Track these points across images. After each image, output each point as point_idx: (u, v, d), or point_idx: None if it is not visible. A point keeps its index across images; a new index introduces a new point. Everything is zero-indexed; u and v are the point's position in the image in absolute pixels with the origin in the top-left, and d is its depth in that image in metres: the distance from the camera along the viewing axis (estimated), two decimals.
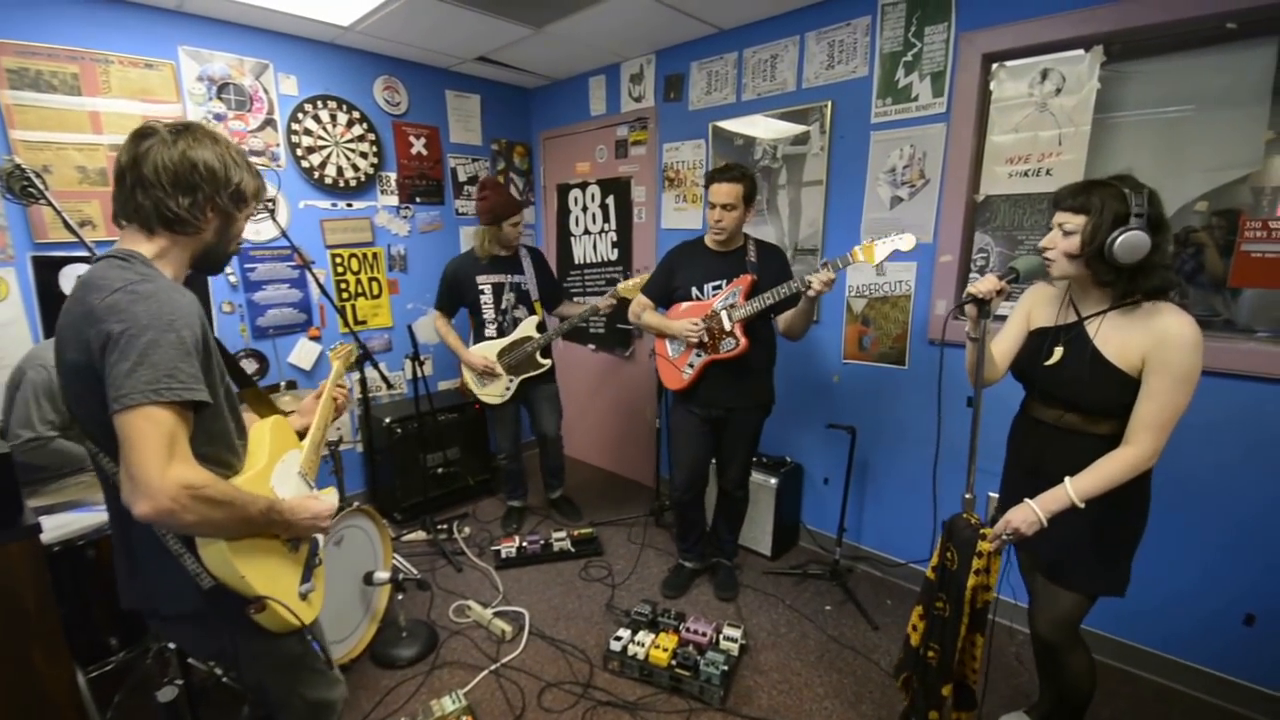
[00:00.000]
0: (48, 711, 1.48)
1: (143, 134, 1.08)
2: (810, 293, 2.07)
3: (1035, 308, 1.63)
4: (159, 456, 0.93)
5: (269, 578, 1.13)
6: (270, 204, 3.04)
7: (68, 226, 1.73)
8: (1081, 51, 2.10)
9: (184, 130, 1.10)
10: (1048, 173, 2.22)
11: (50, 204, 1.69)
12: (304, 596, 1.23)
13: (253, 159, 2.95)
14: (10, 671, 1.42)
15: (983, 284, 1.46)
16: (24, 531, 1.44)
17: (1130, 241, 1.30)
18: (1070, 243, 1.40)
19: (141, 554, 1.12)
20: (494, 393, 3.09)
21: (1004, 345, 1.66)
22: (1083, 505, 1.38)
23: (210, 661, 1.88)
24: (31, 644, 1.45)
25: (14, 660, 1.42)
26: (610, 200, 3.78)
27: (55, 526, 1.76)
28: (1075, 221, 1.38)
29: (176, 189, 1.07)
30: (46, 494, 1.98)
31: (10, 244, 2.43)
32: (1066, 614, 1.58)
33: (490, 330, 3.06)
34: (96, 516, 1.85)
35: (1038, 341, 1.57)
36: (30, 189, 1.70)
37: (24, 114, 2.41)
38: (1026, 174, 2.27)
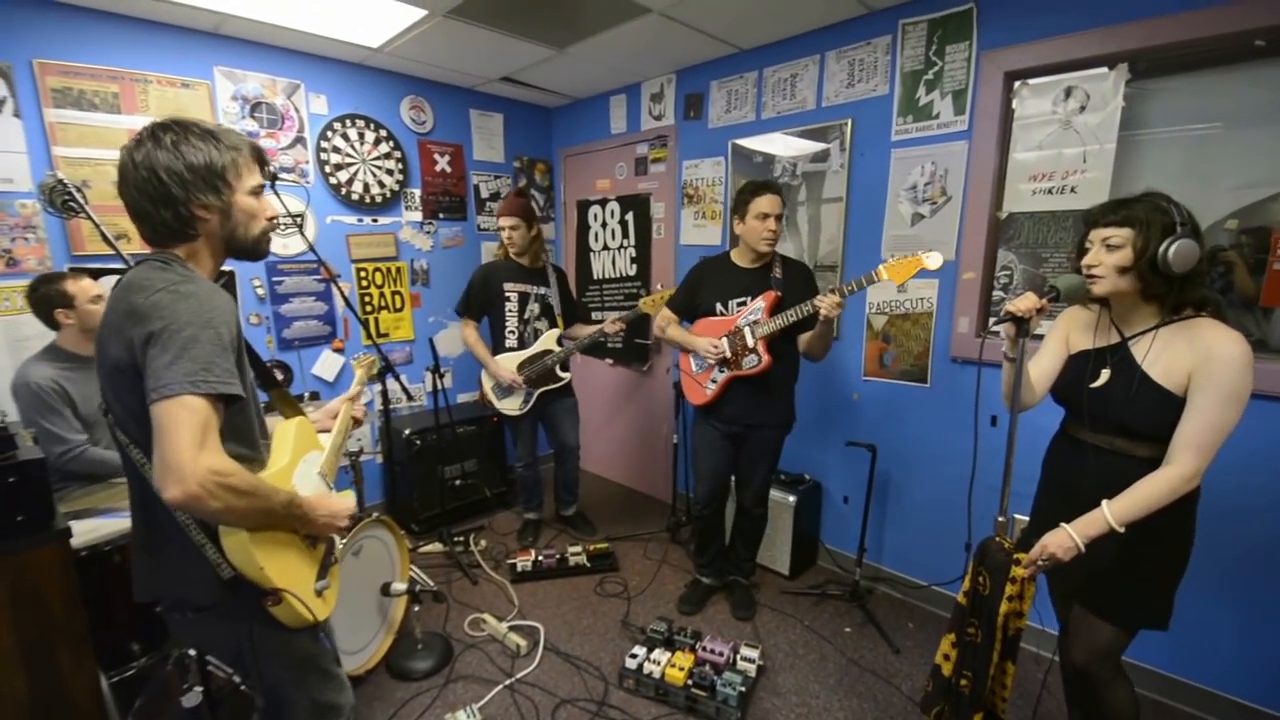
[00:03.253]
0: (72, 713, 1.50)
1: (120, 159, 1.10)
2: (820, 315, 2.07)
3: (1074, 331, 1.59)
4: (192, 443, 0.96)
5: (287, 571, 1.16)
6: (299, 219, 3.11)
7: (105, 239, 1.79)
8: (1106, 69, 2.09)
9: (140, 141, 1.09)
10: (1072, 190, 2.20)
11: (89, 217, 1.75)
12: (319, 594, 1.25)
13: (283, 175, 3.06)
14: (38, 674, 1.44)
15: (1022, 302, 1.42)
16: (55, 536, 1.47)
17: (1184, 249, 1.28)
18: (1120, 256, 1.36)
19: (164, 545, 1.15)
20: (512, 406, 3.10)
21: (1041, 368, 1.62)
22: (1122, 530, 1.32)
23: (223, 660, 1.90)
24: (58, 647, 1.47)
25: (42, 663, 1.45)
26: (630, 216, 3.81)
27: (82, 532, 1.78)
28: (1122, 235, 1.36)
29: (157, 205, 1.09)
30: (73, 500, 2.02)
31: (49, 255, 2.51)
32: (1106, 645, 1.52)
33: (510, 340, 3.08)
34: (121, 522, 1.88)
35: (1080, 364, 1.53)
36: (71, 203, 1.76)
37: (66, 131, 2.50)
38: (1050, 191, 2.25)
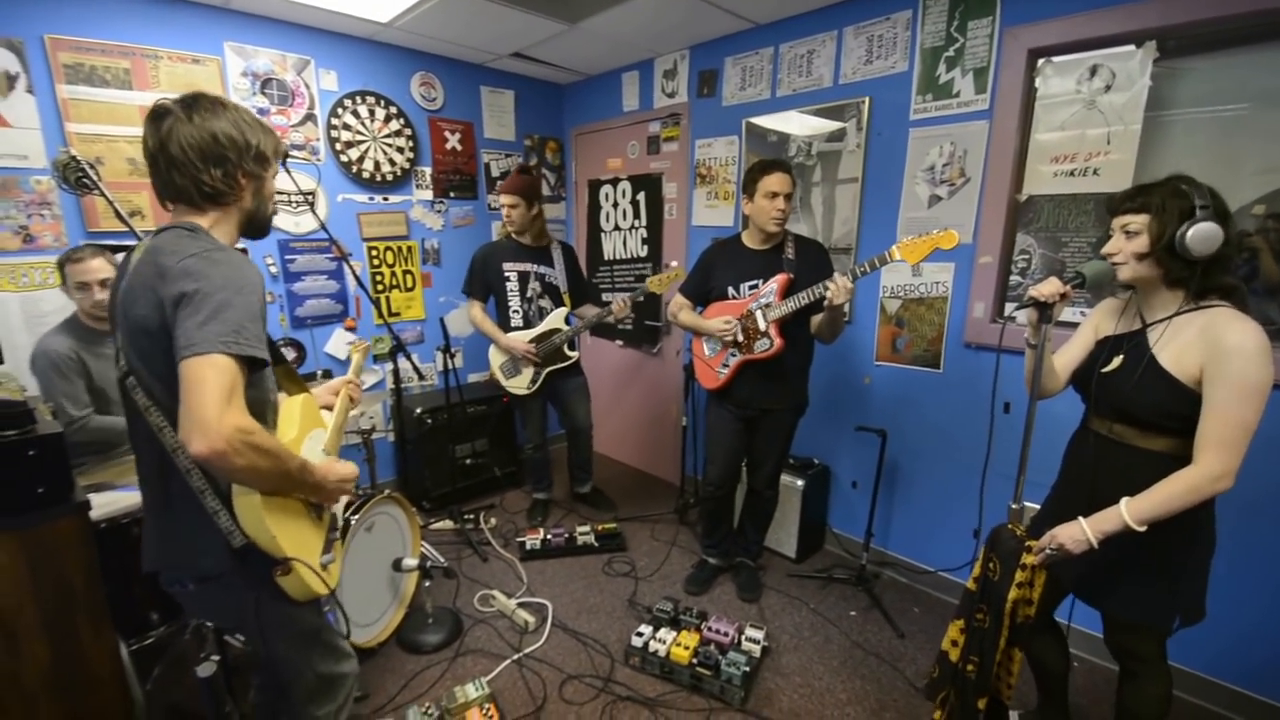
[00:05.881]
0: (93, 682, 1.54)
1: (158, 114, 1.12)
2: (827, 301, 2.05)
3: (1104, 319, 1.56)
4: (220, 400, 0.98)
5: (296, 541, 1.18)
6: (310, 197, 3.11)
7: (119, 216, 1.79)
8: (1133, 47, 2.02)
9: (194, 103, 1.14)
10: (1095, 172, 2.14)
11: (103, 194, 1.76)
12: (324, 567, 1.27)
13: (293, 153, 3.05)
14: (59, 643, 1.48)
15: (1045, 287, 1.39)
16: (74, 508, 1.50)
17: (1202, 232, 1.24)
18: (1137, 243, 1.33)
19: (177, 512, 1.17)
20: (520, 384, 3.11)
21: (1068, 357, 1.59)
22: (1141, 529, 1.28)
23: (230, 630, 1.94)
24: (78, 617, 1.51)
25: (63, 632, 1.49)
26: (641, 196, 3.77)
27: (100, 504, 1.82)
28: (1138, 221, 1.33)
29: (207, 163, 1.13)
30: (92, 473, 2.05)
31: (64, 233, 2.53)
32: (1119, 641, 1.51)
33: (516, 320, 3.07)
34: (139, 495, 1.91)
35: (1099, 349, 1.51)
36: (84, 180, 1.76)
37: (78, 108, 2.51)
38: (1072, 173, 2.19)
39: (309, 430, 1.33)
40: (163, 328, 1.04)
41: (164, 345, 1.04)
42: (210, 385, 0.98)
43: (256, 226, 1.28)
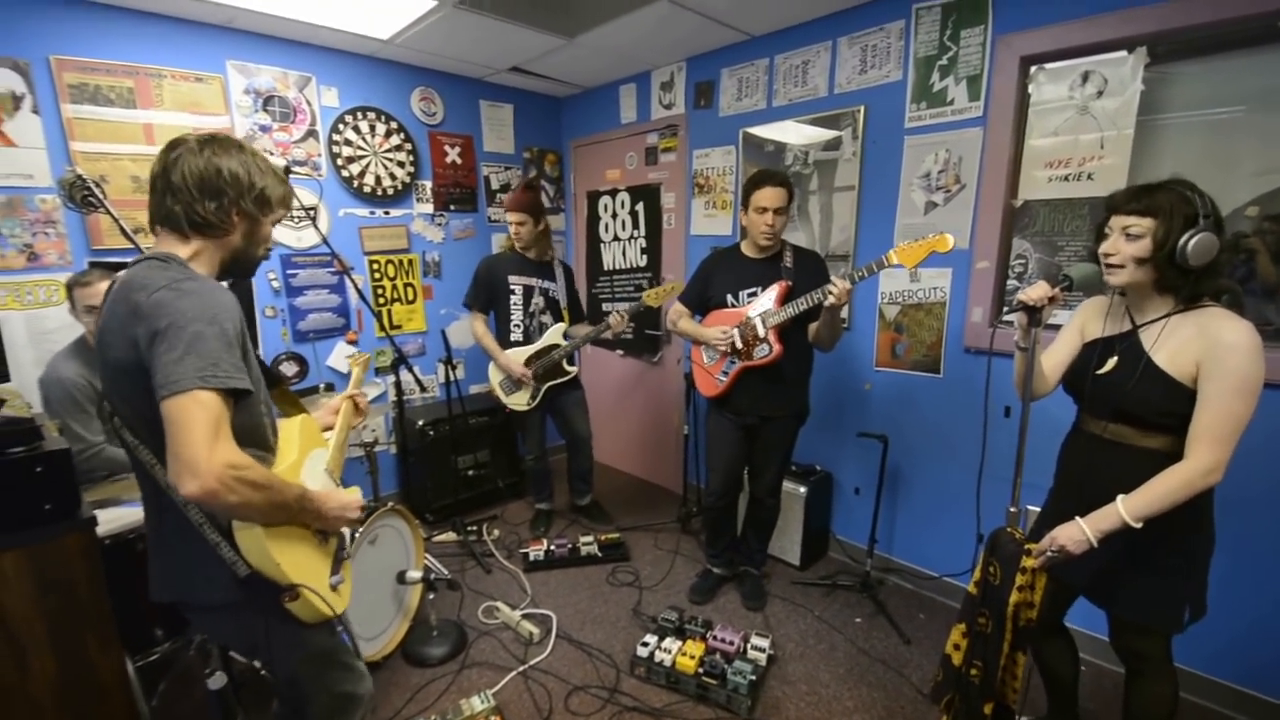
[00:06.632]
0: (100, 696, 1.54)
1: (173, 145, 1.16)
2: (827, 303, 2.06)
3: (1090, 320, 1.57)
4: (206, 438, 0.97)
5: (302, 567, 1.17)
6: (312, 212, 3.14)
7: (124, 234, 1.82)
8: (1124, 53, 2.05)
9: (211, 140, 1.17)
10: (1089, 177, 2.17)
11: (109, 212, 1.78)
12: (334, 588, 1.27)
13: (295, 169, 3.07)
14: (66, 657, 1.48)
15: (1034, 291, 1.40)
16: (81, 524, 1.50)
17: (1204, 243, 1.26)
18: (1138, 246, 1.33)
19: (178, 544, 1.16)
20: (520, 401, 3.12)
21: (1055, 358, 1.60)
22: (1138, 525, 1.29)
23: (243, 654, 1.94)
24: (85, 632, 1.51)
25: (70, 646, 1.49)
26: (640, 207, 3.80)
27: (106, 520, 1.83)
28: (1143, 225, 1.32)
29: (203, 194, 1.14)
30: (97, 489, 2.06)
31: (69, 251, 2.55)
32: (1127, 642, 1.51)
33: (515, 334, 3.09)
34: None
35: (1090, 352, 1.52)
36: (90, 198, 1.79)
37: (83, 127, 2.54)
38: (1067, 178, 2.22)
39: (310, 450, 1.33)
40: (140, 367, 1.03)
41: (143, 384, 1.02)
42: (195, 423, 0.96)
43: (242, 267, 1.26)
